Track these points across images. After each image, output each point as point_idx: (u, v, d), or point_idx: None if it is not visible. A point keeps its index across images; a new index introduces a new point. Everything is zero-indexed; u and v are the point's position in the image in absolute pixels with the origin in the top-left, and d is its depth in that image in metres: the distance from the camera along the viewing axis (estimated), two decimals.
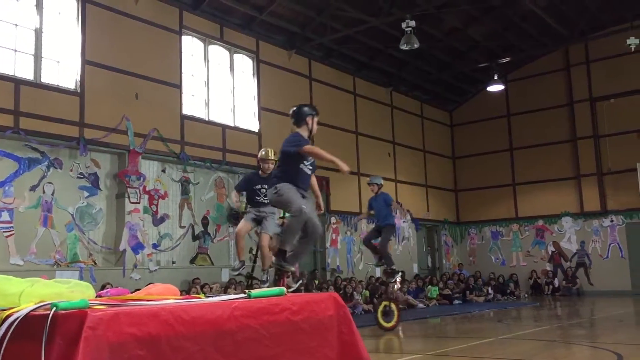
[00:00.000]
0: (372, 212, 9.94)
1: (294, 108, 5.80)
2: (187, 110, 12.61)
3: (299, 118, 5.68)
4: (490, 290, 17.75)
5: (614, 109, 18.29)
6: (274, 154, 7.38)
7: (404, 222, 18.37)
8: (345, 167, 5.34)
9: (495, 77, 17.93)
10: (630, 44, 16.09)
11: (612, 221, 18.25)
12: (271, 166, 7.40)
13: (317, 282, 14.07)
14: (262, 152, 7.58)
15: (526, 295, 18.52)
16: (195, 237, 12.63)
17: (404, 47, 13.96)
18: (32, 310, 2.64)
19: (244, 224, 7.04)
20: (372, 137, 17.65)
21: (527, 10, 15.39)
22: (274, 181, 5.65)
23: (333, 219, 15.74)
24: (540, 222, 19.44)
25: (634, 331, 9.59)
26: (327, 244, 15.45)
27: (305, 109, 5.73)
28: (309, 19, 14.63)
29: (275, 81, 14.67)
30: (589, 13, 17.04)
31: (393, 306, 9.45)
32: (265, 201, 6.80)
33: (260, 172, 7.36)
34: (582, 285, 18.46)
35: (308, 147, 5.50)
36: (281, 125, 14.60)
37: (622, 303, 14.67)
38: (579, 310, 13.94)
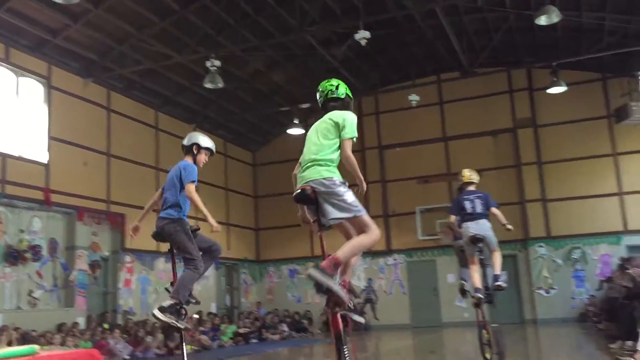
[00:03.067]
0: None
1: None
2: None
3: None
4: (285, 328, 18.15)
5: (398, 157, 20.18)
6: None
7: None
8: None
9: (296, 121, 18.73)
10: (412, 100, 17.95)
11: (395, 260, 19.92)
12: None
13: (106, 325, 13.19)
14: None
15: (320, 332, 19.25)
16: None
17: (208, 85, 14.02)
18: None
19: None
20: None
21: (325, 61, 16.44)
22: None
23: (128, 258, 14.97)
24: None
25: None
26: (120, 285, 14.62)
27: None
28: (108, 47, 14.04)
29: (69, 110, 13.74)
30: (380, 69, 18.78)
31: None
32: None
33: None
34: (369, 320, 19.73)
35: None
36: (74, 156, 13.69)
37: (402, 336, 15.95)
38: (366, 345, 14.82)
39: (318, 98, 4.70)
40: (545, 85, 16.99)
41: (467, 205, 7.37)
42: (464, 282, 7.85)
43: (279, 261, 21.13)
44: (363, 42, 12.75)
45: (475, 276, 7.12)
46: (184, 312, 5.21)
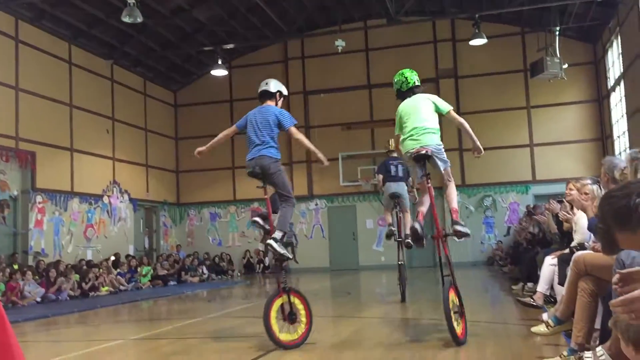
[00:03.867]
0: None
1: None
2: None
3: None
4: (205, 270, 18.18)
5: (323, 103, 20.17)
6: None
7: (120, 202, 17.69)
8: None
9: (220, 62, 18.26)
10: (337, 45, 17.83)
11: (316, 205, 20.20)
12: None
13: (16, 266, 12.72)
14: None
15: (239, 274, 19.42)
16: None
17: (126, 19, 13.32)
18: None
19: None
20: (89, 112, 16.55)
21: (251, 0, 15.97)
22: None
23: (39, 198, 14.36)
24: (256, 204, 20.50)
25: (328, 304, 10.74)
26: (31, 225, 14.06)
27: None
28: None
29: None
30: (306, 12, 18.44)
31: (297, 302, 5.79)
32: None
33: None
34: (289, 263, 20.03)
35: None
36: None
37: (321, 278, 16.35)
38: None
39: (397, 81, 5.97)
40: (468, 37, 17.31)
41: (392, 169, 9.09)
42: (391, 228, 9.10)
43: (200, 204, 20.94)
44: None
45: (389, 217, 9.24)
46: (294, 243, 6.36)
